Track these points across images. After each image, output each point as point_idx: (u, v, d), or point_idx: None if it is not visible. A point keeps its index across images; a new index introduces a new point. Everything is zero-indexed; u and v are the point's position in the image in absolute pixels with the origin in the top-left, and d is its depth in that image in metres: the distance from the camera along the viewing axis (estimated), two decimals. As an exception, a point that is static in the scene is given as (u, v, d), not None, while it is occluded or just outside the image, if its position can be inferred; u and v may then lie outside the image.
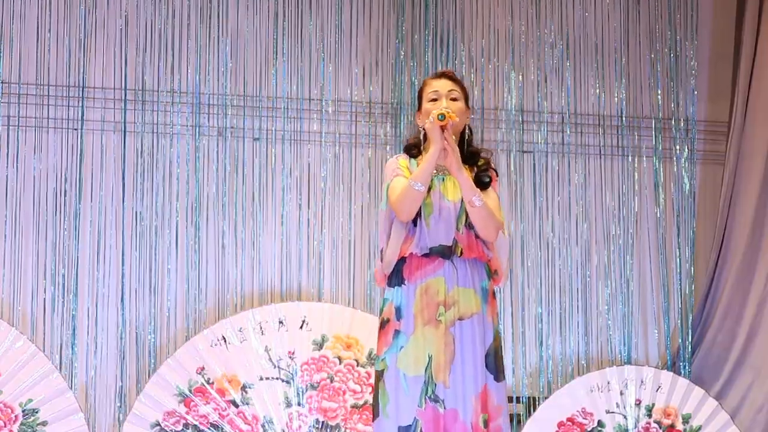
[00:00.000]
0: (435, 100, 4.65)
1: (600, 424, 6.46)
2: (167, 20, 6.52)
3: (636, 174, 6.91)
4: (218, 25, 6.58)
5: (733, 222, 6.78)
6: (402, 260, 4.58)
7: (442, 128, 4.49)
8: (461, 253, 4.56)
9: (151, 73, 6.50)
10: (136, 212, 6.41)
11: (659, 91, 6.95)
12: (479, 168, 4.67)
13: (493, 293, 4.63)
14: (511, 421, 6.52)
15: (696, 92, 6.96)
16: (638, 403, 6.50)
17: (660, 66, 6.96)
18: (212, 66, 6.55)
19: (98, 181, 6.41)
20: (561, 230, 6.80)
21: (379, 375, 4.55)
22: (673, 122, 6.93)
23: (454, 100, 4.65)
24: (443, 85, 4.68)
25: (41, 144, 6.38)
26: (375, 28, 6.73)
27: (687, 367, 6.70)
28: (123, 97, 6.45)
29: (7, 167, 6.34)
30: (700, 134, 6.97)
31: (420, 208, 4.55)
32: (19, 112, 6.36)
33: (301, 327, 6.33)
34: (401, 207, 4.53)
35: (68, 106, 6.41)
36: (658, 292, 6.85)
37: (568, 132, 6.85)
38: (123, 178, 6.42)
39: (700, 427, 6.49)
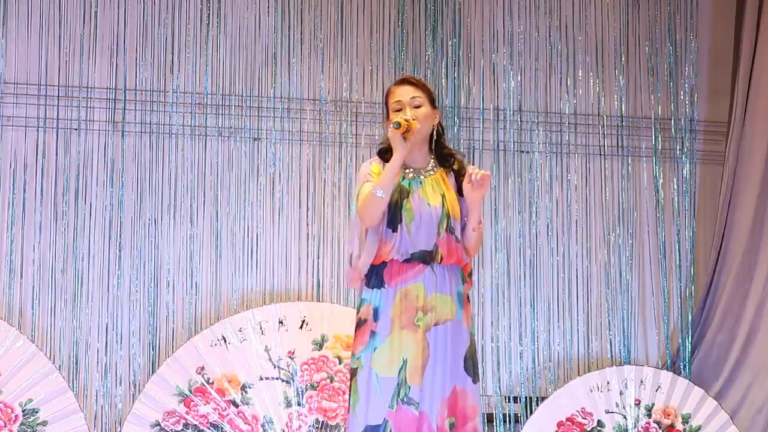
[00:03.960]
0: (399, 110, 4.61)
1: (599, 424, 6.46)
2: (167, 20, 6.53)
3: (636, 174, 6.90)
4: (217, 25, 6.58)
5: (733, 222, 6.78)
6: (383, 264, 4.57)
7: (404, 137, 4.49)
8: (441, 259, 4.55)
9: (151, 73, 6.50)
10: (135, 212, 6.41)
11: (659, 91, 6.94)
12: (456, 172, 4.65)
13: (468, 297, 4.64)
14: (510, 421, 6.54)
15: (696, 92, 6.96)
16: (638, 403, 6.50)
17: (660, 66, 6.96)
18: (212, 66, 6.56)
19: (98, 181, 6.41)
20: (560, 230, 6.79)
21: (353, 373, 4.56)
22: (673, 122, 6.93)
23: (417, 107, 4.60)
24: (405, 93, 4.62)
25: (41, 144, 6.39)
26: (375, 28, 6.73)
27: (687, 367, 6.69)
28: (123, 97, 6.46)
29: (7, 167, 6.35)
30: (700, 134, 6.97)
31: (401, 213, 4.53)
32: (19, 112, 6.37)
33: (301, 327, 6.33)
34: (364, 214, 4.52)
35: (68, 106, 6.42)
36: (658, 292, 6.84)
37: (568, 132, 6.85)
38: (122, 178, 6.42)
39: (699, 427, 6.49)
